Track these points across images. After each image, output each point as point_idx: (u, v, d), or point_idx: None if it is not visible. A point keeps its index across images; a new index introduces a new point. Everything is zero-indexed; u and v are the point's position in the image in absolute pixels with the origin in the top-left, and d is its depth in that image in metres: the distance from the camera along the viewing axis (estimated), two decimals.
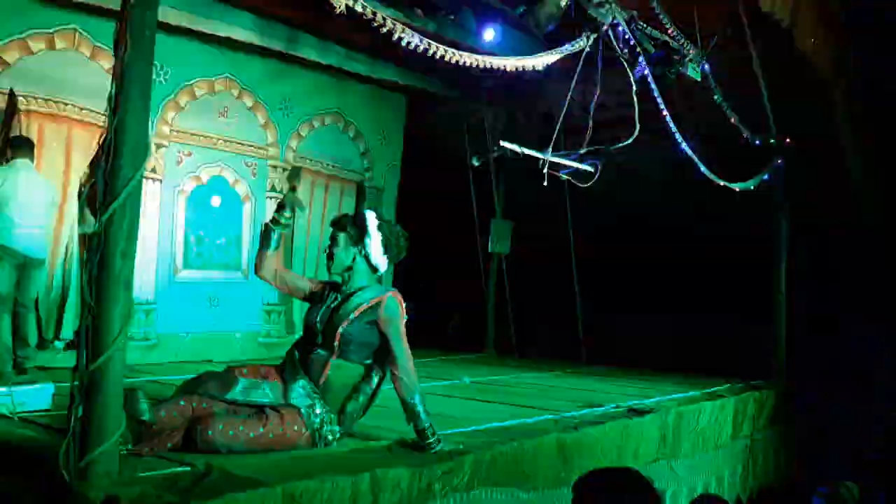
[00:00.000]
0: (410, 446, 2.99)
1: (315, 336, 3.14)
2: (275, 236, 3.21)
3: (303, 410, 2.98)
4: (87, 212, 2.34)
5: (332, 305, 3.17)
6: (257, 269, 3.28)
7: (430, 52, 3.86)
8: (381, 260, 3.22)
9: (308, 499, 2.38)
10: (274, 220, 3.21)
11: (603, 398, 4.85)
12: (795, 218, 6.53)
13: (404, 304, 3.16)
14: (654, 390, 5.29)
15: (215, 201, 6.57)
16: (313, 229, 7.13)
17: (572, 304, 7.91)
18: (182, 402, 2.90)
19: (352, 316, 3.08)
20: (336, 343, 3.06)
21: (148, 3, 2.35)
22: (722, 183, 5.93)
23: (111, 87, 2.33)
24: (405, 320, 3.14)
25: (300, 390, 3.03)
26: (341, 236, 3.22)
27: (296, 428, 2.93)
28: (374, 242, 3.20)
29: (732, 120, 5.85)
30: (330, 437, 3.02)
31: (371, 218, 3.24)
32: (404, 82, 7.58)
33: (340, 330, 3.06)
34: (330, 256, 3.24)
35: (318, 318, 3.16)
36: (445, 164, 8.99)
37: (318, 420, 2.99)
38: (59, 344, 5.44)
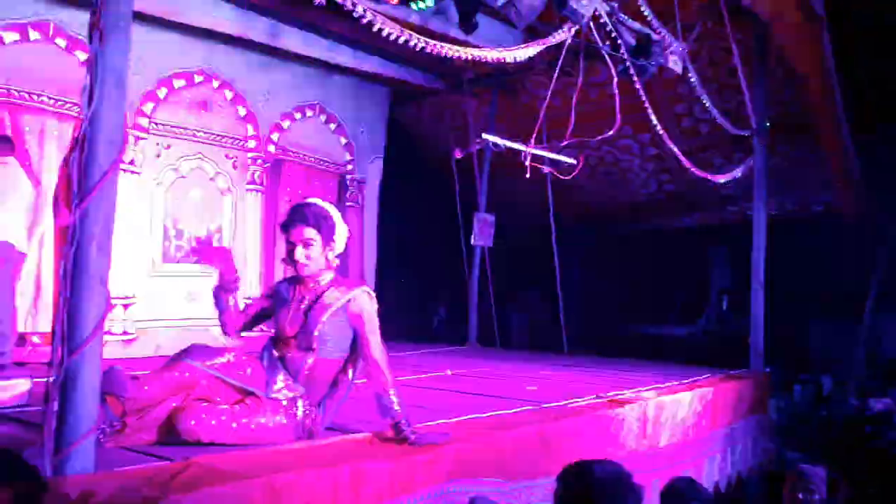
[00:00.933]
0: (389, 439, 2.99)
1: (289, 339, 3.09)
2: (226, 300, 3.18)
3: (285, 403, 2.97)
4: (62, 204, 2.32)
5: (303, 307, 3.09)
6: (228, 333, 3.22)
7: (412, 43, 3.85)
8: (341, 250, 3.16)
9: (288, 491, 2.37)
10: (221, 287, 3.15)
11: (584, 389, 4.89)
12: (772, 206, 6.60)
13: (375, 298, 3.13)
14: (634, 380, 5.34)
15: (195, 194, 6.52)
16: None
17: (554, 296, 7.95)
18: (165, 375, 2.87)
19: (324, 318, 3.03)
20: (314, 345, 3.04)
21: None
22: (702, 174, 5.98)
23: (85, 79, 2.30)
24: (376, 314, 3.11)
25: (281, 383, 3.01)
26: (317, 238, 3.06)
27: (278, 419, 2.92)
28: (342, 236, 3.14)
29: (713, 111, 5.89)
30: (313, 429, 3.03)
31: (335, 211, 3.14)
32: (387, 74, 7.56)
33: (316, 333, 3.03)
34: (304, 259, 3.06)
35: (290, 321, 3.09)
36: (428, 156, 9.00)
37: (300, 412, 2.99)
38: (35, 339, 5.37)
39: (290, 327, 3.08)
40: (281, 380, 3.02)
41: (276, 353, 3.10)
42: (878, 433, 4.93)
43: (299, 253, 3.06)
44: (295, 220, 3.06)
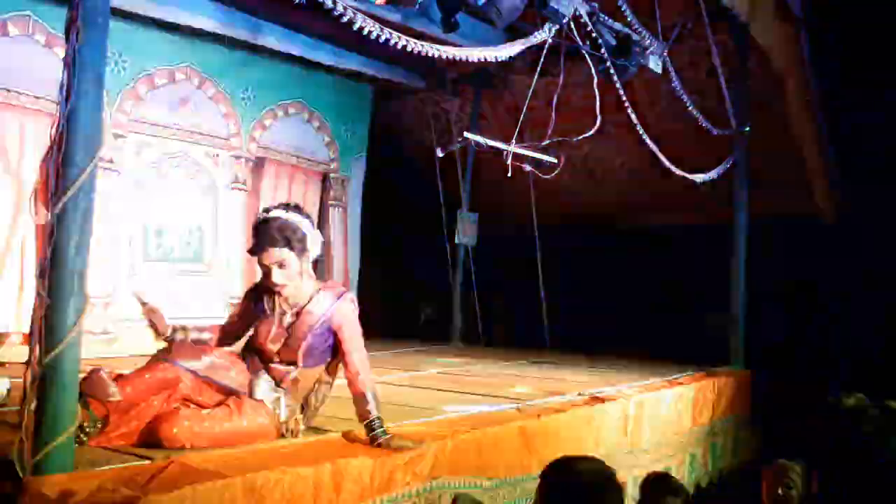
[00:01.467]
0: (361, 440, 2.96)
1: (272, 355, 3.03)
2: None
3: (268, 404, 2.96)
4: (40, 203, 2.30)
5: (286, 323, 3.01)
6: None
7: (393, 42, 3.85)
8: (317, 254, 3.08)
9: (269, 490, 2.37)
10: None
11: (566, 386, 4.92)
12: (753, 207, 6.67)
13: (356, 304, 3.09)
14: (615, 378, 5.38)
15: (176, 193, 6.47)
16: None
17: (537, 294, 7.99)
18: (147, 375, 2.84)
19: (308, 336, 2.99)
20: (299, 362, 3.01)
21: None
22: (682, 174, 6.03)
23: (63, 76, 2.28)
24: (357, 319, 3.07)
25: (265, 385, 3.01)
26: (290, 255, 2.92)
27: (260, 420, 2.91)
28: (316, 242, 3.05)
29: (693, 111, 5.94)
30: (295, 430, 3.02)
31: (302, 219, 3.00)
32: (370, 73, 7.54)
33: (301, 351, 2.99)
34: (283, 280, 2.93)
35: (272, 338, 3.01)
36: (411, 155, 9.00)
37: (284, 413, 2.99)
38: (14, 338, 5.32)
39: (273, 342, 3.01)
40: (264, 381, 3.02)
41: (257, 360, 3.07)
42: (850, 428, 4.99)
43: (276, 276, 2.93)
44: (263, 243, 2.91)
